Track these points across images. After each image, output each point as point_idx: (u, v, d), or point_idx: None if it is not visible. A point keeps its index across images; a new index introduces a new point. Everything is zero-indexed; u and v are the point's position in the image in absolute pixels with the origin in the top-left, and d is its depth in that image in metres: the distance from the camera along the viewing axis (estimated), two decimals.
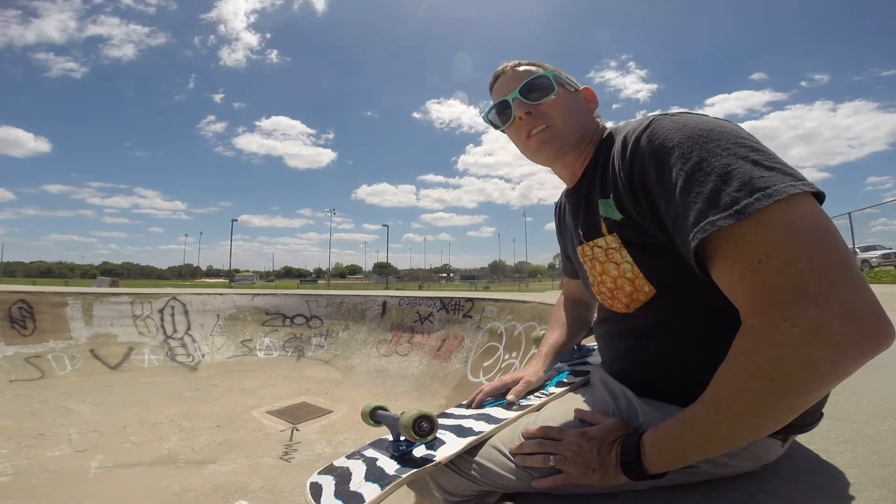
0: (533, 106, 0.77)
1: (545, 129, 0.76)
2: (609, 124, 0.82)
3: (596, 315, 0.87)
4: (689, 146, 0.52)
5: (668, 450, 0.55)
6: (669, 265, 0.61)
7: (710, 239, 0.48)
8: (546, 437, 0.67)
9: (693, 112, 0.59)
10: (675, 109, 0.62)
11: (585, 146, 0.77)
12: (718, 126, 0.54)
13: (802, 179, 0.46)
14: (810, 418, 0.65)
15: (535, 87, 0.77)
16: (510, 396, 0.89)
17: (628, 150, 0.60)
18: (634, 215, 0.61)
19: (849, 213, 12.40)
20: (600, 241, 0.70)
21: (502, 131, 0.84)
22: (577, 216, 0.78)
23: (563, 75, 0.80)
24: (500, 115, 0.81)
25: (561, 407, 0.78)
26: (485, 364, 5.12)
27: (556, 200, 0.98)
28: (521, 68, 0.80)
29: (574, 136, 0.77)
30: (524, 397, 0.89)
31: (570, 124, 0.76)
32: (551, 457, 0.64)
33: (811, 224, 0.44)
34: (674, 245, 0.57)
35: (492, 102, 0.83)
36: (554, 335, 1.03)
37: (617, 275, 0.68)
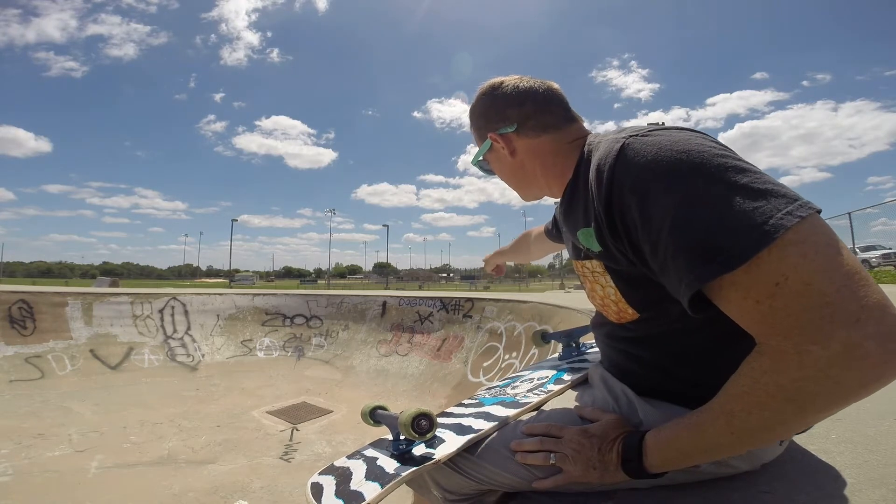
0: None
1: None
2: (604, 127, 0.81)
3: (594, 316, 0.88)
4: (670, 179, 0.48)
5: (671, 452, 0.55)
6: (651, 294, 0.60)
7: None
8: (547, 434, 0.67)
9: (663, 129, 0.54)
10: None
11: (558, 170, 0.74)
12: (696, 147, 0.49)
13: (797, 199, 0.44)
14: None
15: (481, 164, 0.88)
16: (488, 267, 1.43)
17: (603, 182, 0.55)
18: (613, 249, 0.58)
19: (849, 213, 12.41)
20: (588, 263, 0.70)
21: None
22: (564, 229, 0.78)
23: (485, 126, 0.79)
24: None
25: (560, 405, 0.79)
26: (485, 364, 5.12)
27: None
28: (470, 126, 0.86)
29: (528, 189, 0.83)
30: (525, 395, 0.89)
31: (515, 182, 0.83)
32: (552, 455, 0.64)
33: (825, 241, 0.42)
34: (655, 276, 0.55)
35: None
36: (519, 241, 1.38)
37: (603, 295, 0.69)
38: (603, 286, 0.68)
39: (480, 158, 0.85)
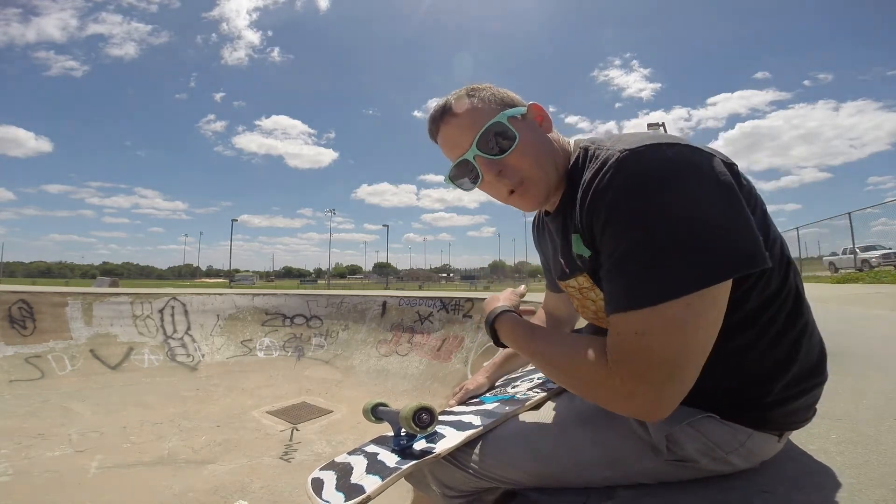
0: (500, 161, 0.66)
1: (524, 183, 0.67)
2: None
3: (586, 326, 0.90)
4: (635, 218, 0.52)
5: (508, 334, 0.75)
6: None
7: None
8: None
9: (664, 145, 0.53)
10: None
11: (558, 174, 0.70)
12: (680, 184, 0.51)
13: (724, 259, 0.49)
14: (804, 415, 0.66)
15: (492, 138, 0.66)
16: (450, 402, 0.96)
17: (591, 189, 0.56)
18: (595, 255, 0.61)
19: (849, 213, 12.44)
20: (572, 282, 0.72)
21: (471, 189, 0.74)
22: (556, 244, 0.75)
23: (511, 102, 0.69)
24: (465, 175, 0.71)
25: (562, 402, 0.79)
26: (485, 364, 5.11)
27: (535, 216, 0.92)
28: (463, 109, 0.68)
29: (554, 173, 0.68)
30: (525, 393, 0.90)
31: (545, 163, 0.67)
32: None
33: (690, 317, 0.49)
34: None
35: (447, 158, 0.73)
36: None
37: (596, 308, 0.71)
38: (594, 300, 0.70)
39: (512, 117, 0.67)
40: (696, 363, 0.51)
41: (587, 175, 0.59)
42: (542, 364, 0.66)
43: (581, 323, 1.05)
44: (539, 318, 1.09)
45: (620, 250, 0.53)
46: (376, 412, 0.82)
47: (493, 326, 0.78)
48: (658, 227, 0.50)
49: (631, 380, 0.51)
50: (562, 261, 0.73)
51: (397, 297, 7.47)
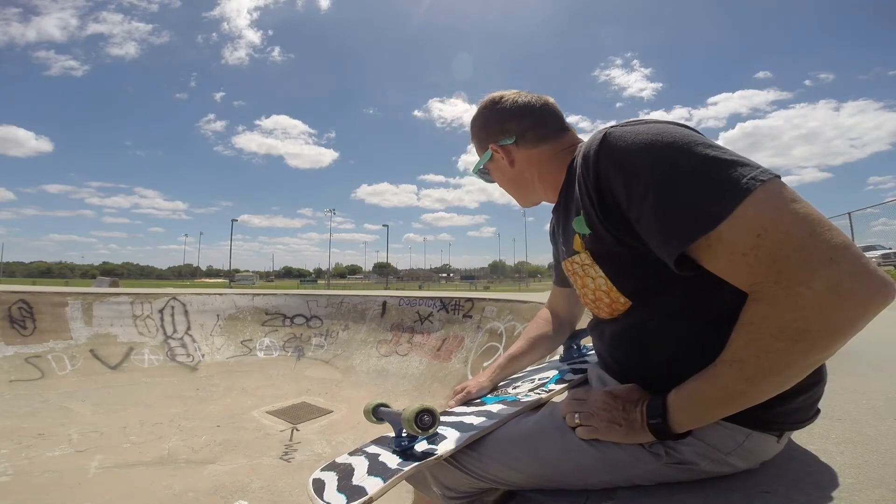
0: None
1: (514, 197, 0.93)
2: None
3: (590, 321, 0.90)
4: (650, 153, 0.54)
5: (694, 407, 0.57)
6: (641, 279, 0.63)
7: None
8: (573, 398, 0.70)
9: (639, 120, 0.60)
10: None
11: (553, 177, 0.81)
12: (669, 129, 0.56)
13: (760, 167, 0.49)
14: (804, 415, 0.66)
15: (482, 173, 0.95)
16: (451, 402, 0.95)
17: (590, 166, 0.60)
18: (601, 230, 0.62)
19: (849, 213, 12.42)
20: (576, 258, 0.73)
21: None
22: (559, 232, 0.82)
23: (484, 146, 0.87)
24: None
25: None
26: (485, 364, 5.11)
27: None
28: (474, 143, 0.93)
29: (525, 195, 0.90)
30: (526, 394, 0.90)
31: (519, 187, 0.89)
32: (577, 414, 0.66)
33: (791, 196, 0.47)
34: (643, 258, 0.59)
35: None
36: (514, 348, 1.08)
37: (594, 287, 0.71)
38: (593, 278, 0.70)
39: (481, 167, 0.91)
40: (827, 223, 0.45)
41: (578, 160, 0.66)
42: (755, 379, 0.50)
43: (581, 323, 1.06)
44: (544, 317, 1.12)
45: (665, 181, 0.52)
46: (377, 413, 0.82)
47: (668, 422, 0.58)
48: (692, 150, 0.52)
49: (809, 270, 0.43)
50: (563, 248, 0.79)
51: (397, 297, 7.47)
